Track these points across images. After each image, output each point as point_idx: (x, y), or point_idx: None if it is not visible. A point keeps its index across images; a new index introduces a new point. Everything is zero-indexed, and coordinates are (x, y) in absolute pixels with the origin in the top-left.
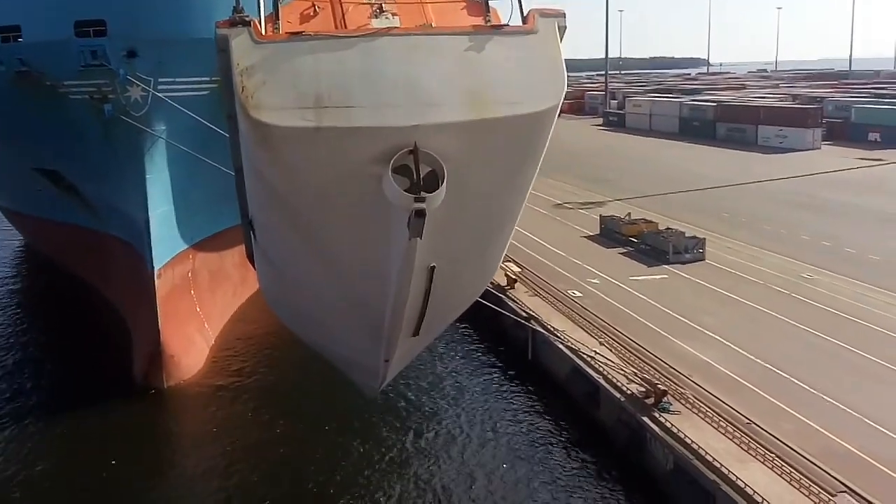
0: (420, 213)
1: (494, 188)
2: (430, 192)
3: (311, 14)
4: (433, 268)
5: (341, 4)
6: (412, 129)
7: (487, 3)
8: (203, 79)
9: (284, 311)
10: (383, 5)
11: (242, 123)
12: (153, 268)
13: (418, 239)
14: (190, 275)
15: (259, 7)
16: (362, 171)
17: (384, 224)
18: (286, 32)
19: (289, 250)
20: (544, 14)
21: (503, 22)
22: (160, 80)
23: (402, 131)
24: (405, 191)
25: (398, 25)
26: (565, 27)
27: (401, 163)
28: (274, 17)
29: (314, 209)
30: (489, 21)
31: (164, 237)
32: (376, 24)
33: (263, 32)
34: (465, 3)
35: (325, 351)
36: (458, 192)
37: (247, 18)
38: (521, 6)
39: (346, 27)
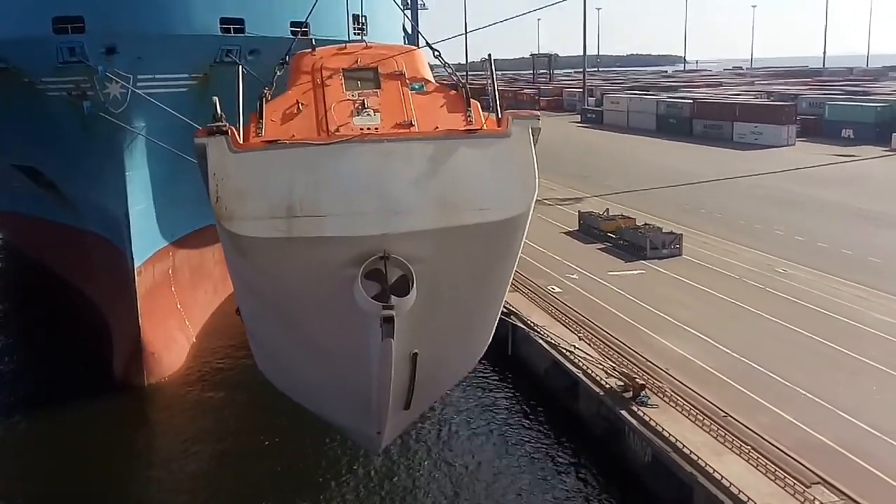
0: (389, 320)
1: (470, 286)
2: (401, 297)
3: (295, 111)
4: (416, 354)
5: (325, 101)
6: (381, 238)
7: (468, 99)
8: (183, 75)
9: (273, 375)
10: (365, 102)
11: (218, 229)
12: (133, 265)
13: (391, 339)
14: (170, 272)
15: (238, 108)
16: (335, 274)
17: (359, 322)
18: (263, 140)
19: (271, 332)
20: (518, 117)
21: (484, 113)
22: (139, 76)
23: (371, 240)
24: (375, 296)
25: (378, 123)
26: (539, 129)
27: (372, 267)
28: (258, 117)
29: (290, 306)
30: (470, 117)
31: (145, 234)
32: (357, 121)
33: (241, 138)
34: (445, 99)
35: (321, 417)
36: (432, 292)
37: (224, 128)
38: (497, 105)
39: (328, 126)
